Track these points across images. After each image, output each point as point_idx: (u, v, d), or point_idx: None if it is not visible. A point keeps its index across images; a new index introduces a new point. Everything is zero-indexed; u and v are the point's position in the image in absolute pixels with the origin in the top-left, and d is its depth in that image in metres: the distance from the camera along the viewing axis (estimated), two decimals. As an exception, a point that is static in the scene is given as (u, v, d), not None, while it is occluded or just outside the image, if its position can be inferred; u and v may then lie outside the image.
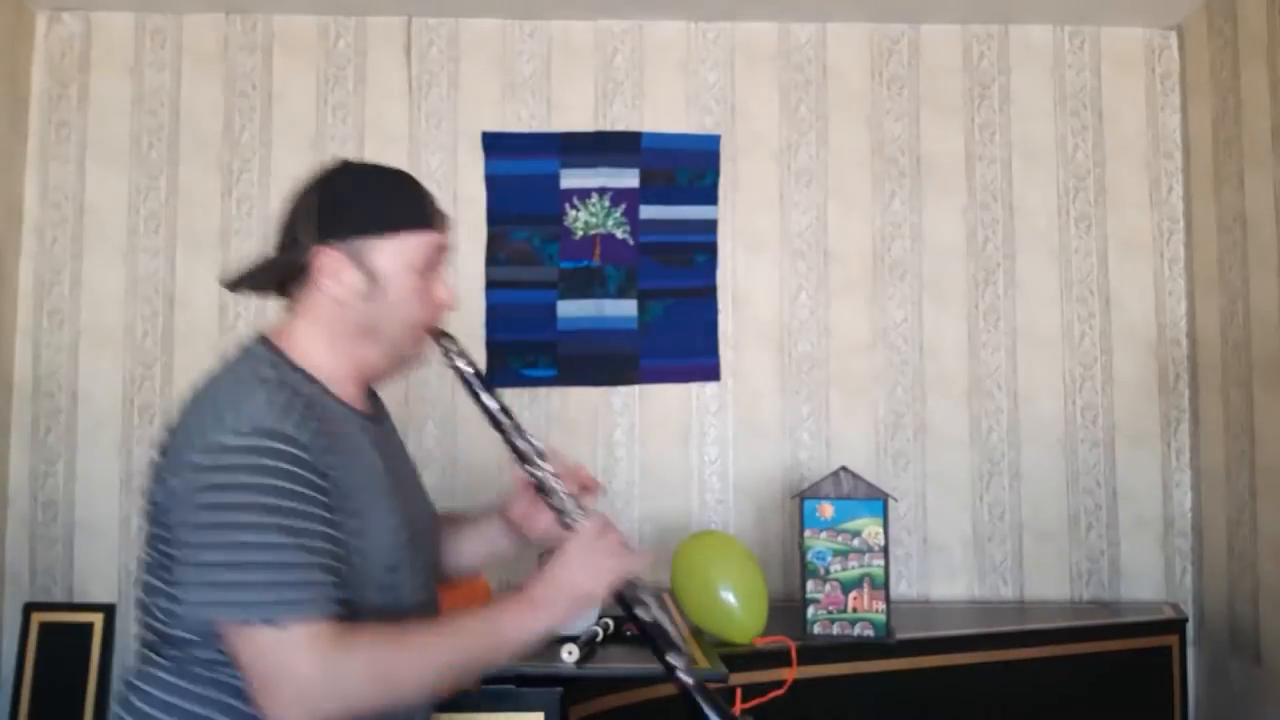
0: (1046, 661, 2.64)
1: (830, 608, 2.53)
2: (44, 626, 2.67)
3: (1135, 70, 3.28)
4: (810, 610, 2.53)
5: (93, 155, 3.17)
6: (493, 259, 3.18)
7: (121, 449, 3.10)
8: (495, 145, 3.20)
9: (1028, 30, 3.28)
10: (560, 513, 1.31)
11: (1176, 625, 2.85)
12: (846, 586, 2.53)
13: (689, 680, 1.28)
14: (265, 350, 1.24)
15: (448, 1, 3.14)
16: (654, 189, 3.20)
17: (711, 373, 3.18)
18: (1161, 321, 3.21)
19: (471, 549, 1.49)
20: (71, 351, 3.12)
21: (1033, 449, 3.18)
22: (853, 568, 2.52)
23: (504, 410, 1.34)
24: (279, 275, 1.28)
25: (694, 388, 3.19)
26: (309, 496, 1.11)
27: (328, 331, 1.25)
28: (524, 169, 3.19)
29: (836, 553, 2.53)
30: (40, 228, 3.15)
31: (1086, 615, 2.94)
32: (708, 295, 3.19)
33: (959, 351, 3.19)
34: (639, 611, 1.26)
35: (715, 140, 3.22)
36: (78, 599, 3.01)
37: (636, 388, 3.17)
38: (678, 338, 3.17)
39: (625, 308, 3.17)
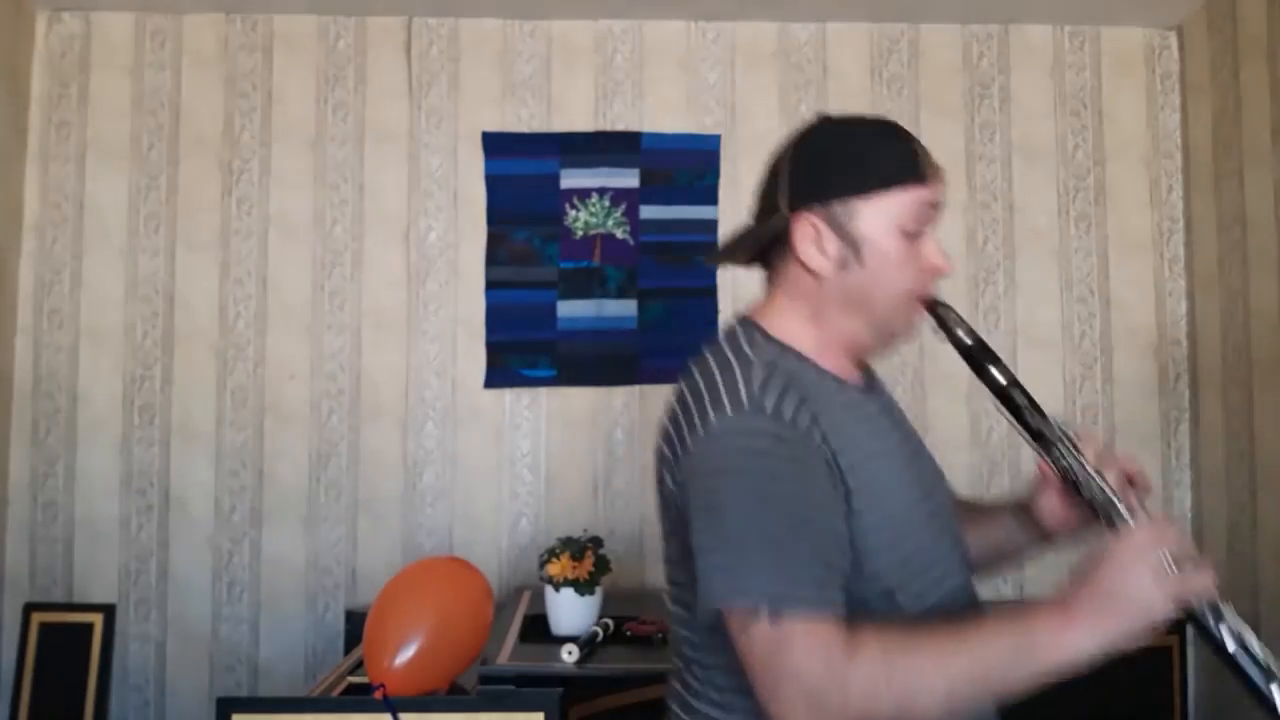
0: (1047, 661, 2.64)
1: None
2: (44, 626, 2.67)
3: (1135, 70, 3.28)
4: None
5: (93, 155, 3.17)
6: (493, 259, 3.18)
7: (121, 449, 3.10)
8: (495, 145, 3.20)
9: (1028, 30, 3.28)
10: (1096, 509, 1.07)
11: (1177, 625, 2.83)
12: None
13: None
14: (745, 330, 1.14)
15: (448, 1, 3.14)
16: (654, 189, 3.20)
17: (711, 373, 3.17)
18: (1161, 321, 3.21)
19: (982, 542, 1.26)
20: (71, 351, 3.12)
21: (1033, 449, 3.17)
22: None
23: (1016, 385, 1.12)
24: (758, 246, 1.17)
25: (694, 388, 3.18)
26: (801, 476, 1.01)
27: (810, 306, 1.13)
28: (524, 169, 3.20)
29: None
30: (40, 227, 3.15)
31: (1087, 615, 2.94)
32: (708, 295, 3.19)
33: (959, 351, 3.19)
34: (1224, 637, 1.03)
35: (715, 140, 3.22)
36: (78, 599, 3.02)
37: (636, 388, 3.17)
38: (678, 338, 3.17)
39: (625, 308, 3.17)
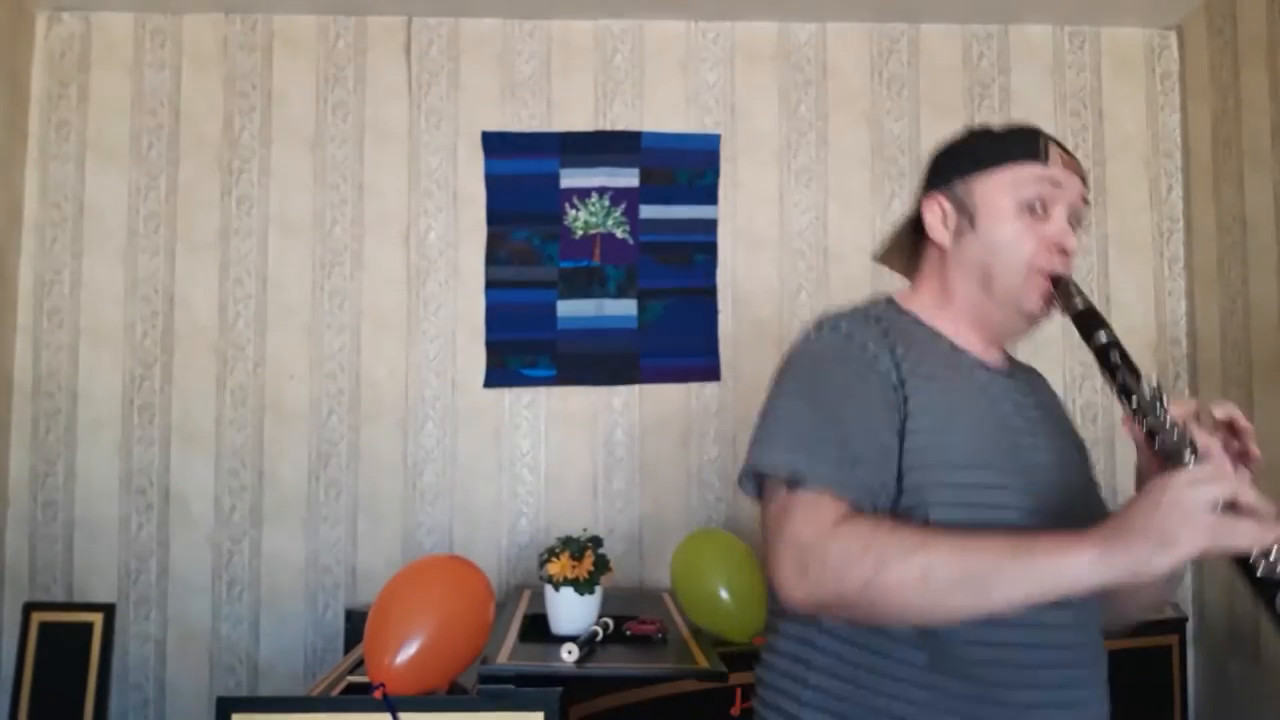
0: (1046, 661, 2.64)
1: (830, 607, 2.52)
2: (44, 626, 2.67)
3: (1135, 70, 3.28)
4: (810, 610, 2.52)
5: (92, 155, 3.17)
6: (493, 258, 3.18)
7: (121, 449, 3.10)
8: (495, 145, 3.20)
9: (1028, 30, 3.28)
10: (1168, 457, 1.01)
11: (1176, 625, 2.85)
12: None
13: None
14: (876, 302, 1.26)
15: (447, 1, 3.14)
16: (654, 188, 3.20)
17: (711, 372, 3.18)
18: (1161, 321, 3.21)
19: None
20: (71, 351, 3.12)
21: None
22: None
23: (1115, 346, 1.10)
24: (904, 240, 1.29)
25: (694, 387, 3.19)
26: (862, 385, 1.10)
27: (941, 281, 1.23)
28: (524, 169, 3.20)
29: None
30: (40, 227, 3.15)
31: (1086, 615, 2.94)
32: (708, 295, 3.19)
33: (959, 351, 3.19)
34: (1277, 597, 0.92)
35: (715, 140, 3.23)
36: (77, 598, 3.02)
37: (636, 387, 3.17)
38: (678, 337, 3.17)
39: (625, 307, 3.17)
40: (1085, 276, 3.21)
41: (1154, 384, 1.05)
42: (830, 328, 1.17)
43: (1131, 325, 3.19)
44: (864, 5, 3.16)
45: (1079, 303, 1.14)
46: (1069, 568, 0.92)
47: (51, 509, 3.08)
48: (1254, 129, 2.82)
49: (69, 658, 2.61)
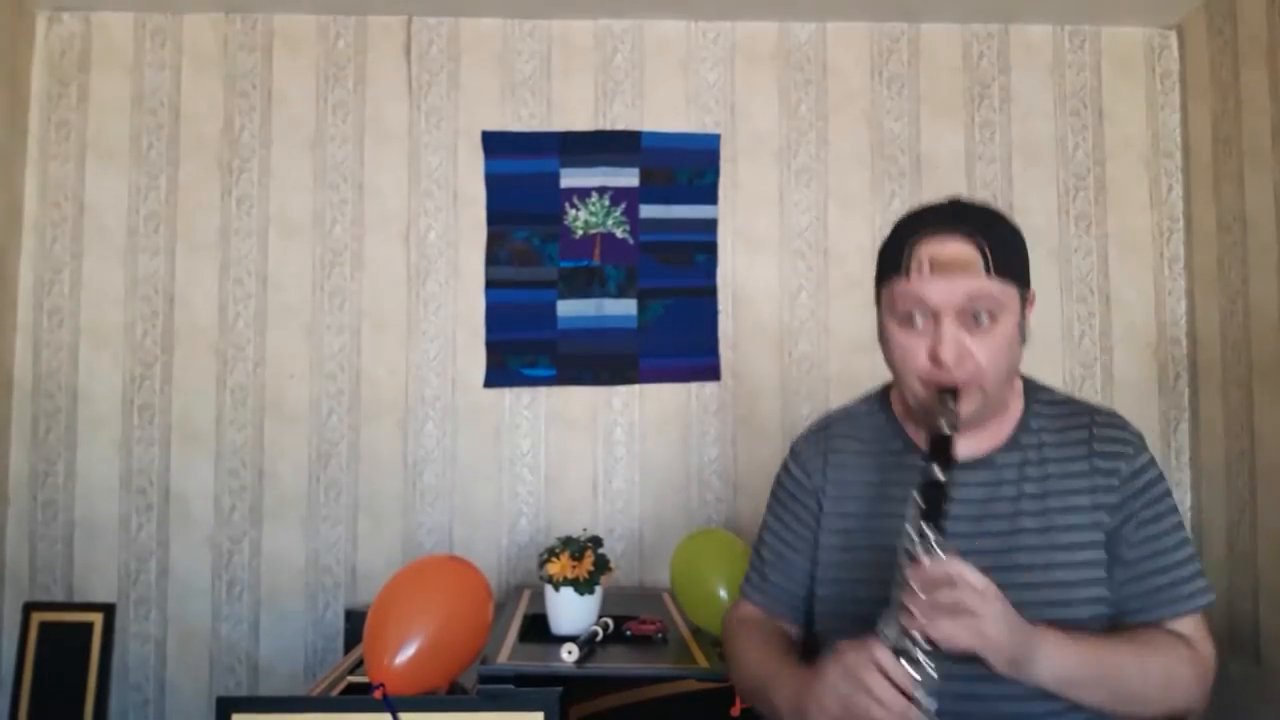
0: (1046, 661, 2.63)
1: (830, 607, 2.52)
2: (44, 626, 2.67)
3: (1135, 70, 3.28)
4: (810, 610, 2.52)
5: (92, 155, 3.17)
6: (493, 258, 3.18)
7: (121, 448, 3.10)
8: (495, 144, 3.20)
9: (1028, 29, 3.28)
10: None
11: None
12: (846, 586, 2.51)
13: None
14: (870, 396, 1.41)
15: (447, 0, 3.14)
16: (654, 188, 3.20)
17: (711, 372, 3.18)
18: (1161, 321, 3.21)
19: None
20: (71, 351, 3.12)
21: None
22: (852, 567, 2.51)
23: (940, 490, 1.08)
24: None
25: (694, 387, 3.19)
26: (786, 503, 1.38)
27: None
28: (524, 168, 3.20)
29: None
30: (40, 227, 3.15)
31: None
32: (708, 295, 3.19)
33: (959, 351, 3.19)
34: None
35: (715, 139, 3.22)
36: (77, 598, 3.02)
37: (636, 387, 3.17)
38: (677, 337, 3.17)
39: (625, 307, 3.17)
40: (1085, 276, 3.21)
41: (914, 541, 1.04)
42: (791, 453, 1.41)
43: (1132, 325, 3.19)
44: (864, 5, 3.16)
45: (942, 425, 1.13)
46: (782, 703, 1.16)
47: (51, 509, 3.08)
48: (1254, 128, 2.82)
49: (69, 658, 2.61)
